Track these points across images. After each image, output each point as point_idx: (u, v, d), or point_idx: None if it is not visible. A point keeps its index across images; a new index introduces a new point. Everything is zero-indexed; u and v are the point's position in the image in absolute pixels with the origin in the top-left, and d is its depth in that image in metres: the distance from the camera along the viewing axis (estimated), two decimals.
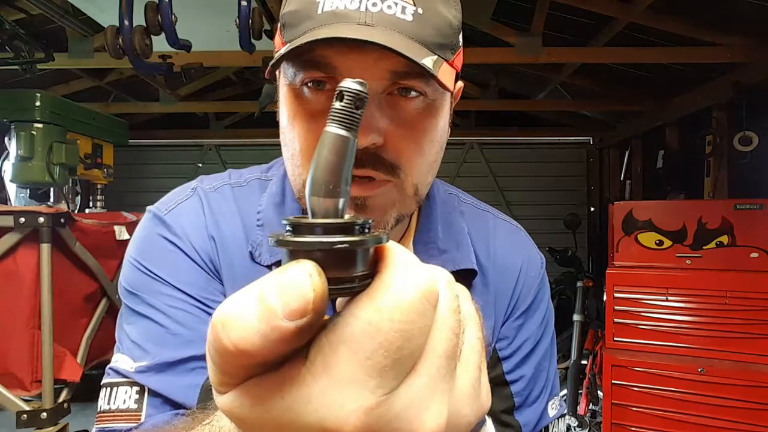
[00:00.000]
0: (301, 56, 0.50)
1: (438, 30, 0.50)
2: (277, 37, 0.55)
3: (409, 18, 0.48)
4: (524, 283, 0.69)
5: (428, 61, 0.48)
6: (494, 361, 0.68)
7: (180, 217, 0.62)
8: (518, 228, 0.75)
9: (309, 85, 0.52)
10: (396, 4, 0.48)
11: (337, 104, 0.24)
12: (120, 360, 0.57)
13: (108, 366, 0.57)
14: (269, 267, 0.60)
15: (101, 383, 0.56)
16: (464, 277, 0.66)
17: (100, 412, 0.55)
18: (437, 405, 0.23)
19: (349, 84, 0.24)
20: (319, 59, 0.49)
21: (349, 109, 0.23)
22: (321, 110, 0.52)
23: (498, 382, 0.68)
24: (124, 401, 0.54)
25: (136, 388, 0.54)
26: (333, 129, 0.23)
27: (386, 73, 0.50)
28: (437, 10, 0.51)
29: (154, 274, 0.58)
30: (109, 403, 0.54)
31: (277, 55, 0.50)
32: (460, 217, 0.70)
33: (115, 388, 0.55)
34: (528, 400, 0.68)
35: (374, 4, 0.48)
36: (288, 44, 0.50)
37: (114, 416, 0.53)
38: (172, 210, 0.63)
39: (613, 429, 2.32)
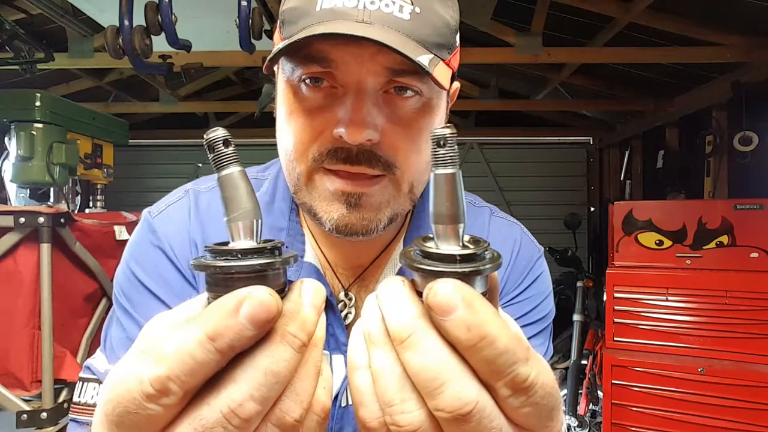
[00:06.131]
0: (299, 51, 0.51)
1: (435, 29, 0.51)
2: (276, 34, 0.56)
3: (407, 17, 0.49)
4: (512, 272, 0.70)
5: (424, 59, 0.48)
6: None
7: (165, 223, 0.64)
8: (513, 223, 0.75)
9: (307, 82, 0.52)
10: (393, 2, 0.49)
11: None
12: (98, 358, 0.62)
13: (86, 361, 0.62)
14: None
15: (78, 376, 0.62)
16: None
17: (73, 403, 0.61)
18: None
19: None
20: (316, 54, 0.50)
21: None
22: (318, 107, 0.53)
23: None
24: (92, 397, 0.60)
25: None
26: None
27: (382, 70, 0.50)
28: (434, 10, 0.51)
29: (137, 278, 0.62)
30: (80, 396, 0.61)
31: (274, 50, 0.51)
32: None
33: (86, 384, 0.61)
34: None
35: (372, 2, 0.48)
36: (286, 40, 0.50)
37: (83, 409, 0.60)
38: (161, 213, 0.65)
39: (613, 429, 2.31)
